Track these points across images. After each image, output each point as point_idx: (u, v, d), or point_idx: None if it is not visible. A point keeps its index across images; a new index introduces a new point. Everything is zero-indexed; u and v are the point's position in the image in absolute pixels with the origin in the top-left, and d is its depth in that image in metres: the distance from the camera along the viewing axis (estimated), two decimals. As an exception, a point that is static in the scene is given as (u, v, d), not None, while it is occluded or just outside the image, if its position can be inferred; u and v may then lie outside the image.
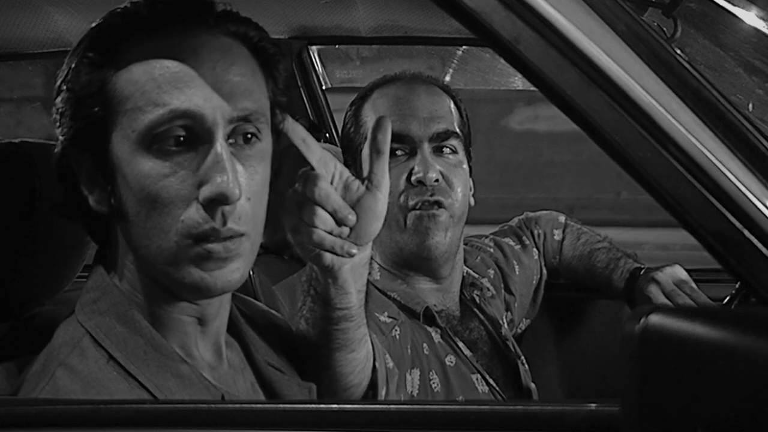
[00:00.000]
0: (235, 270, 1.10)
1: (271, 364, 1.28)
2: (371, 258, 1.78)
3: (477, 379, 1.80)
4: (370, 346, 1.35)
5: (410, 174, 1.76)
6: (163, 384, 1.10)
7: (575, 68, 0.92)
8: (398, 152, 1.76)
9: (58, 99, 1.13)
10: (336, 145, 2.53)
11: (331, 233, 1.16)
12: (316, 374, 1.31)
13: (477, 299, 1.92)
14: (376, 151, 1.20)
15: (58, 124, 1.13)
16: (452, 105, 1.84)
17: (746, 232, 0.91)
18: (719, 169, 0.91)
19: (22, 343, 1.22)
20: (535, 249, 2.14)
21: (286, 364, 1.32)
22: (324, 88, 2.73)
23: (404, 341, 1.71)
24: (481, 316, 1.90)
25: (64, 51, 1.15)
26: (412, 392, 1.71)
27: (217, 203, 1.07)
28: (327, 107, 2.72)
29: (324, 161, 1.17)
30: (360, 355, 1.31)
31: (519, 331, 2.10)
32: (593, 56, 0.92)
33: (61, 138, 1.13)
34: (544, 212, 2.21)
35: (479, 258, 2.05)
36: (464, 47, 2.60)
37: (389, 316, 1.72)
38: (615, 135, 0.92)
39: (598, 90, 0.92)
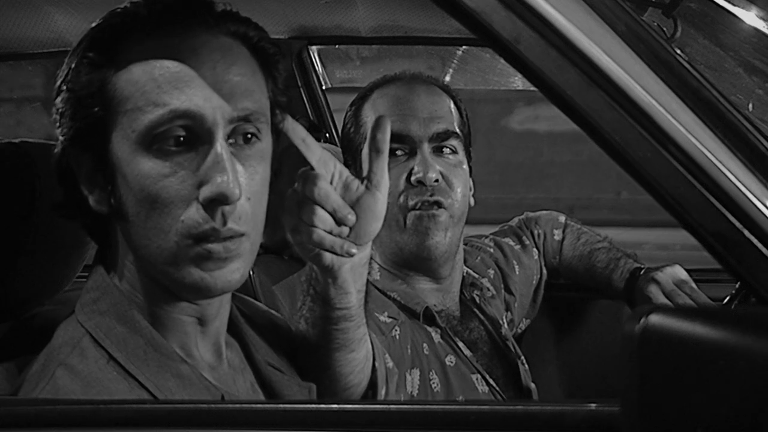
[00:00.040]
0: (235, 270, 1.10)
1: (271, 364, 1.28)
2: (371, 258, 1.78)
3: (477, 379, 1.80)
4: (370, 346, 1.35)
5: (410, 174, 1.76)
6: (163, 384, 1.10)
7: (575, 68, 0.92)
8: (398, 152, 1.76)
9: (58, 99, 1.13)
10: (336, 145, 2.53)
11: (330, 233, 1.16)
12: (316, 374, 1.31)
13: (477, 299, 1.92)
14: (375, 150, 1.20)
15: (58, 124, 1.13)
16: (452, 105, 1.84)
17: (746, 232, 0.91)
18: (719, 169, 0.91)
19: (22, 343, 1.22)
20: (535, 249, 2.14)
21: (286, 364, 1.32)
22: (324, 88, 2.73)
23: (404, 341, 1.71)
24: (481, 316, 1.90)
25: (64, 51, 1.14)
26: (412, 392, 1.71)
27: (217, 203, 1.07)
28: (327, 107, 2.72)
29: (324, 161, 1.17)
30: (360, 355, 1.31)
31: (519, 331, 2.10)
32: (593, 56, 0.92)
33: (61, 138, 1.13)
34: (544, 212, 2.21)
35: (479, 258, 2.05)
36: (464, 47, 2.60)
37: (389, 316, 1.72)
38: (615, 135, 0.92)
39: (598, 90, 0.92)
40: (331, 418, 0.98)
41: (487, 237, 2.15)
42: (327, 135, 2.69)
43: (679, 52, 0.97)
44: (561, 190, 7.69)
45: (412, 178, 1.76)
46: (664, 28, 1.63)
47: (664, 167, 0.92)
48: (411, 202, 1.76)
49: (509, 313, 2.03)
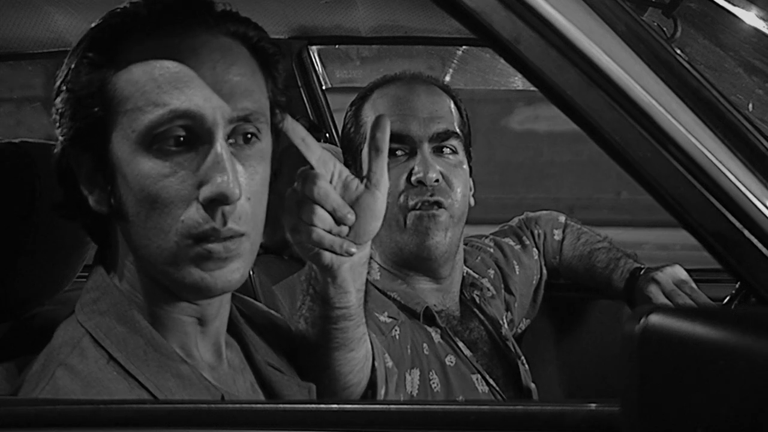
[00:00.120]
0: (235, 270, 1.10)
1: (270, 364, 1.28)
2: (371, 258, 1.78)
3: (477, 379, 1.80)
4: (369, 346, 1.35)
5: (410, 174, 1.76)
6: (163, 384, 1.10)
7: (575, 68, 0.92)
8: (398, 152, 1.77)
9: (58, 99, 1.13)
10: (336, 145, 2.53)
11: (330, 232, 1.16)
12: (316, 373, 1.31)
13: (477, 299, 1.92)
14: (375, 149, 1.20)
15: (57, 124, 1.13)
16: (452, 105, 1.84)
17: (746, 232, 0.91)
18: (719, 169, 0.91)
19: (22, 343, 1.22)
20: (535, 249, 2.14)
21: (286, 364, 1.32)
22: (324, 88, 2.73)
23: (404, 341, 1.71)
24: (481, 316, 1.90)
25: (64, 51, 1.14)
26: (411, 392, 1.71)
27: (217, 203, 1.07)
28: (327, 107, 2.72)
29: (323, 160, 1.17)
30: (359, 355, 1.31)
31: (519, 331, 2.10)
32: (593, 56, 0.92)
33: (60, 138, 1.13)
34: (544, 212, 2.21)
35: (479, 258, 2.05)
36: (464, 47, 2.60)
37: (389, 316, 1.72)
38: (615, 135, 0.92)
39: (598, 90, 0.92)
40: (330, 418, 0.98)
41: (487, 237, 2.15)
42: (327, 135, 2.69)
43: (679, 52, 0.97)
44: (561, 190, 7.69)
45: (413, 178, 1.76)
46: (664, 28, 1.63)
47: (664, 167, 0.92)
48: (411, 202, 1.76)
49: (509, 313, 2.03)
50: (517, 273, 2.08)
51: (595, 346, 2.20)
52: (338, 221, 1.17)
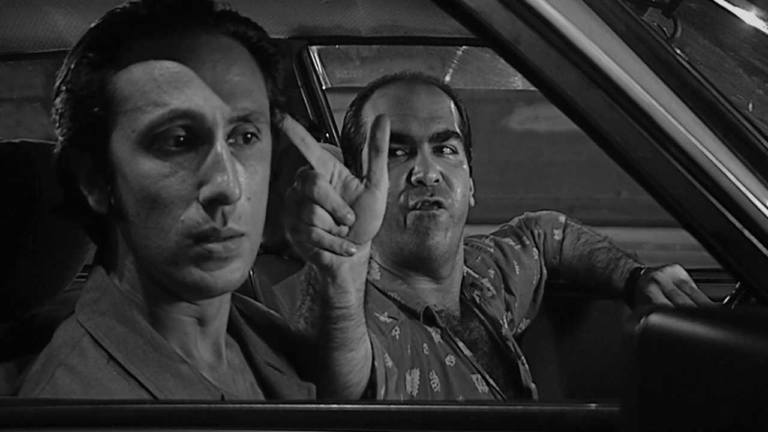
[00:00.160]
0: (236, 270, 1.10)
1: (270, 364, 1.28)
2: (371, 258, 1.78)
3: (477, 379, 1.80)
4: (369, 346, 1.35)
5: (410, 174, 1.76)
6: (163, 384, 1.10)
7: (575, 68, 0.92)
8: (398, 152, 1.77)
9: (58, 100, 1.13)
10: (336, 145, 2.53)
11: (329, 232, 1.16)
12: (315, 373, 1.31)
13: (477, 299, 1.92)
14: (374, 149, 1.20)
15: (57, 124, 1.13)
16: (452, 105, 1.84)
17: (746, 232, 0.91)
18: (719, 169, 0.91)
19: (22, 343, 1.22)
20: (535, 249, 2.14)
21: (286, 364, 1.32)
22: (324, 88, 2.73)
23: (404, 341, 1.71)
24: (482, 316, 1.90)
25: (64, 51, 1.14)
26: (412, 392, 1.71)
27: (217, 203, 1.07)
28: (327, 107, 2.72)
29: (323, 160, 1.17)
30: (359, 355, 1.31)
31: (519, 331, 2.10)
32: (593, 56, 0.92)
33: (60, 138, 1.13)
34: (544, 212, 2.21)
35: (479, 258, 2.05)
36: (464, 47, 2.60)
37: (389, 316, 1.72)
38: (615, 135, 0.92)
39: (598, 90, 0.92)
40: (330, 417, 0.98)
41: (487, 237, 2.15)
42: (327, 135, 2.69)
43: (679, 52, 0.97)
44: (561, 190, 7.69)
45: (413, 178, 1.76)
46: (664, 28, 1.63)
47: (664, 167, 0.92)
48: (411, 202, 1.76)
49: (509, 313, 2.03)
50: (517, 273, 2.08)
51: (595, 346, 2.20)
52: (338, 221, 1.17)
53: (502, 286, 2.04)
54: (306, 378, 1.31)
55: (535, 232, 2.15)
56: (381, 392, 1.39)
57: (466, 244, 2.01)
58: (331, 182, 1.17)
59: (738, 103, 1.37)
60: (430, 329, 1.79)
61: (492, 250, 2.09)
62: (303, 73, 2.67)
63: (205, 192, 1.07)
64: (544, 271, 2.14)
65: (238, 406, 1.03)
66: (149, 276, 1.12)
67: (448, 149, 1.79)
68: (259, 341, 1.30)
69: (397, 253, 1.80)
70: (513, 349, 1.91)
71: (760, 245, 0.91)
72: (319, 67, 2.72)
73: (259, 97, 1.13)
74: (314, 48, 2.69)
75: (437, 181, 1.76)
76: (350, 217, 1.17)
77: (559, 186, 7.73)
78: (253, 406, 1.04)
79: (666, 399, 0.84)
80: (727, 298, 1.66)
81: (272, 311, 1.45)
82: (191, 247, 1.08)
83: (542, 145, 7.84)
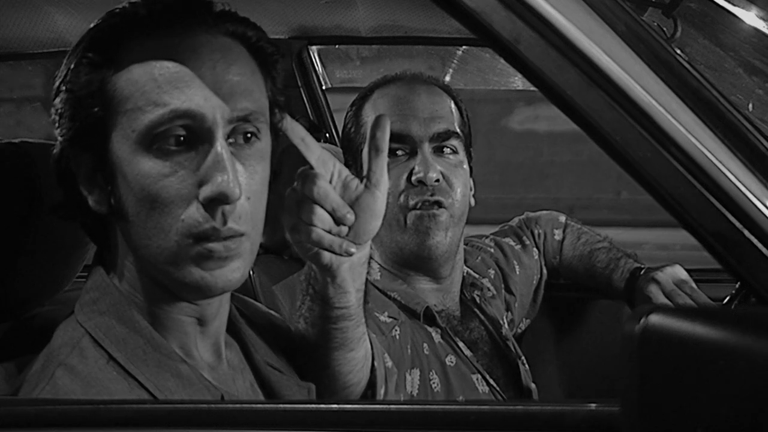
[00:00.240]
0: (236, 269, 1.10)
1: (270, 364, 1.28)
2: (371, 258, 1.78)
3: (477, 379, 1.80)
4: (369, 346, 1.35)
5: (411, 174, 1.76)
6: (163, 384, 1.10)
7: (575, 68, 0.92)
8: (399, 152, 1.77)
9: (57, 100, 1.13)
10: (336, 145, 2.53)
11: (329, 232, 1.16)
12: (315, 373, 1.31)
13: (477, 299, 1.92)
14: (374, 149, 1.20)
15: (57, 124, 1.13)
16: (453, 105, 1.84)
17: (746, 232, 0.91)
18: (719, 169, 0.91)
19: (22, 343, 1.22)
20: (535, 249, 2.14)
21: (285, 364, 1.32)
22: (324, 88, 2.73)
23: (404, 341, 1.71)
24: (482, 316, 1.90)
25: (64, 51, 1.14)
26: (412, 392, 1.71)
27: (217, 203, 1.07)
28: (327, 107, 2.72)
29: (323, 160, 1.17)
30: (359, 355, 1.31)
31: (519, 331, 2.10)
32: (593, 56, 0.92)
33: (60, 139, 1.13)
34: (545, 212, 2.21)
35: (480, 258, 2.05)
36: (464, 47, 2.60)
37: (389, 316, 1.72)
38: (615, 135, 0.92)
39: (598, 90, 0.92)
40: (330, 417, 0.98)
41: (487, 237, 2.15)
42: (327, 135, 2.69)
43: (679, 52, 0.97)
44: (561, 190, 7.70)
45: (413, 178, 1.76)
46: (664, 28, 1.63)
47: (664, 167, 0.92)
48: (411, 202, 1.76)
49: (509, 313, 2.03)
50: (518, 273, 2.08)
51: (595, 346, 2.20)
52: (338, 221, 1.17)
53: (503, 286, 2.04)
54: (306, 378, 1.31)
55: (535, 232, 2.15)
56: (381, 392, 1.39)
57: (466, 244, 2.01)
58: (330, 182, 1.17)
59: (738, 103, 1.37)
60: (430, 329, 1.79)
61: (492, 250, 2.09)
62: (303, 73, 2.67)
63: (206, 191, 1.07)
64: (544, 271, 2.14)
65: (237, 406, 1.03)
66: (149, 276, 1.12)
67: (449, 149, 1.79)
68: (258, 341, 1.30)
69: (398, 252, 1.80)
70: (513, 349, 1.91)
71: (760, 245, 0.91)
72: (319, 67, 2.73)
73: (258, 97, 1.13)
74: (314, 48, 2.69)
75: (437, 180, 1.76)
76: (350, 217, 1.17)
77: (559, 186, 7.73)
78: (253, 406, 1.04)
79: (666, 399, 0.84)
80: (727, 298, 1.66)
81: (272, 311, 1.45)
82: (191, 247, 1.08)
83: (542, 145, 7.84)
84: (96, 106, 1.09)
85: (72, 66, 1.11)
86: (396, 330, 1.71)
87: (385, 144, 1.20)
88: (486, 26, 0.93)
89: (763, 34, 1.79)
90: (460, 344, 1.81)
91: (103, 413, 0.99)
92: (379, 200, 1.20)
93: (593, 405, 0.93)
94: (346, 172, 1.20)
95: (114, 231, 1.14)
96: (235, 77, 1.10)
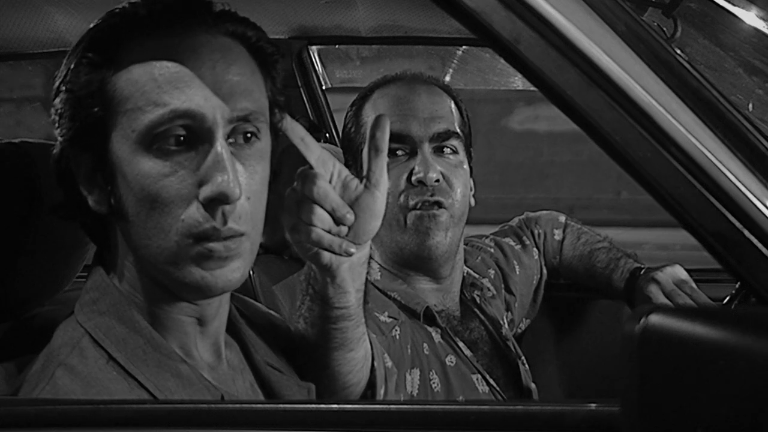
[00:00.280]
0: (236, 269, 1.10)
1: (270, 364, 1.28)
2: (371, 258, 1.78)
3: (477, 379, 1.80)
4: (369, 346, 1.35)
5: (411, 174, 1.76)
6: (163, 384, 1.10)
7: (575, 68, 0.92)
8: (399, 152, 1.77)
9: (57, 100, 1.13)
10: (336, 145, 2.53)
11: (329, 232, 1.16)
12: (315, 373, 1.31)
13: (477, 299, 1.92)
14: (374, 149, 1.20)
15: (56, 125, 1.13)
16: (453, 105, 1.84)
17: (746, 232, 0.91)
18: (719, 169, 0.91)
19: (22, 343, 1.22)
20: (535, 249, 2.14)
21: (285, 365, 1.32)
22: (324, 88, 2.73)
23: (404, 341, 1.71)
24: (482, 316, 1.90)
25: (64, 51, 1.14)
26: (412, 392, 1.71)
27: (217, 202, 1.07)
28: (327, 107, 2.72)
29: (323, 160, 1.17)
30: (358, 355, 1.31)
31: (519, 331, 2.10)
32: (593, 56, 0.92)
33: (60, 139, 1.13)
34: (545, 212, 2.21)
35: (480, 258, 2.05)
36: (464, 47, 2.60)
37: (389, 316, 1.72)
38: (615, 135, 0.92)
39: (598, 90, 0.92)
40: (330, 418, 0.98)
41: (487, 237, 2.15)
42: (327, 135, 2.69)
43: (679, 52, 0.97)
44: (561, 190, 7.70)
45: (413, 178, 1.76)
46: (664, 28, 1.63)
47: (664, 167, 0.92)
48: (411, 202, 1.76)
49: (509, 313, 2.03)
50: (518, 273, 2.08)
51: (595, 346, 2.20)
52: (337, 221, 1.17)
53: (503, 286, 2.04)
54: (305, 378, 1.31)
55: (535, 232, 2.15)
56: (380, 392, 1.39)
57: (466, 244, 2.01)
58: (330, 182, 1.17)
59: (738, 103, 1.37)
60: (430, 329, 1.79)
61: (492, 250, 2.09)
62: (303, 73, 2.67)
63: (206, 191, 1.07)
64: (544, 271, 2.14)
65: (237, 406, 1.03)
66: (149, 276, 1.12)
67: (449, 149, 1.79)
68: (258, 341, 1.30)
69: (398, 253, 1.80)
70: (513, 349, 1.91)
71: (760, 245, 0.91)
72: (319, 67, 2.73)
73: (258, 97, 1.13)
74: (314, 48, 2.69)
75: (437, 181, 1.76)
76: (349, 217, 1.17)
77: (559, 186, 7.73)
78: (253, 406, 1.04)
79: (666, 399, 0.84)
80: (727, 298, 1.66)
81: (272, 311, 1.45)
82: (191, 247, 1.08)
83: (542, 145, 7.85)
84: (96, 106, 1.09)
85: (72, 66, 1.11)
86: (396, 330, 1.71)
87: (384, 144, 1.20)
88: (486, 26, 0.93)
89: (763, 34, 1.79)
90: (460, 344, 1.81)
91: (103, 413, 0.99)
92: (379, 200, 1.20)
93: (593, 405, 0.93)
94: (345, 172, 1.20)
95: (114, 231, 1.14)
96: (235, 77, 1.10)
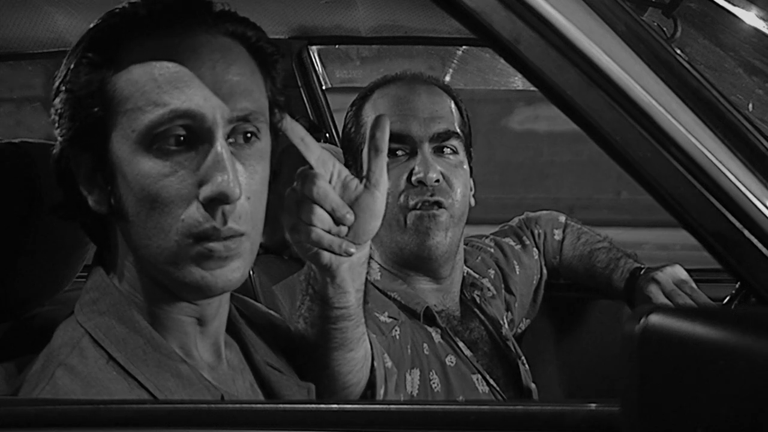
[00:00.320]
0: (236, 269, 1.10)
1: (270, 364, 1.28)
2: (371, 258, 1.78)
3: (477, 379, 1.80)
4: (369, 346, 1.35)
5: (411, 174, 1.76)
6: (163, 384, 1.10)
7: (575, 68, 0.92)
8: (399, 152, 1.77)
9: (57, 100, 1.13)
10: (336, 145, 2.53)
11: (329, 232, 1.16)
12: (315, 373, 1.31)
13: (477, 299, 1.92)
14: (374, 149, 1.20)
15: (56, 125, 1.13)
16: (453, 105, 1.84)
17: (746, 232, 0.91)
18: (719, 169, 0.91)
19: (22, 343, 1.22)
20: (535, 249, 2.14)
21: (285, 364, 1.32)
22: (324, 88, 2.74)
23: (404, 341, 1.71)
24: (482, 316, 1.90)
25: (63, 51, 1.14)
26: (412, 392, 1.71)
27: (217, 202, 1.07)
28: (327, 107, 2.72)
29: (322, 160, 1.17)
30: (358, 355, 1.31)
31: (519, 331, 2.10)
32: (593, 56, 0.92)
33: (59, 139, 1.13)
34: (545, 212, 2.21)
35: (480, 258, 2.05)
36: (464, 47, 2.60)
37: (389, 316, 1.72)
38: (615, 135, 0.92)
39: (598, 90, 0.92)
40: (330, 417, 0.98)
41: (487, 237, 2.15)
42: (327, 135, 2.69)
43: (679, 52, 0.97)
44: (561, 190, 7.70)
45: (413, 178, 1.75)
46: (664, 28, 1.63)
47: (664, 167, 0.92)
48: (411, 202, 1.76)
49: (510, 313, 2.03)
50: (518, 273, 2.08)
51: (595, 346, 2.20)
52: (337, 221, 1.17)
53: (503, 286, 2.04)
54: (305, 378, 1.31)
55: (535, 232, 2.15)
56: (380, 392, 1.39)
57: (466, 244, 2.01)
58: (330, 182, 1.17)
59: (738, 103, 1.37)
60: (430, 329, 1.79)
61: (492, 250, 2.09)
62: (303, 73, 2.67)
63: (206, 191, 1.07)
64: (544, 271, 2.14)
65: (237, 406, 1.03)
66: (149, 276, 1.12)
67: (449, 149, 1.79)
68: (258, 341, 1.30)
69: (398, 253, 1.80)
70: (513, 349, 1.91)
71: (760, 245, 0.91)
72: (319, 67, 2.73)
73: (258, 97, 1.13)
74: (314, 48, 2.69)
75: (437, 181, 1.76)
76: (349, 217, 1.17)
77: (559, 186, 7.73)
78: (253, 406, 1.04)
79: (666, 399, 0.84)
80: (727, 298, 1.66)
81: (271, 311, 1.45)
82: (192, 247, 1.08)
83: (542, 145, 7.85)
84: (96, 106, 1.10)
85: (72, 66, 1.11)
86: (396, 330, 1.71)
87: (384, 144, 1.20)
88: (486, 26, 0.93)
89: (763, 34, 1.79)
90: (460, 344, 1.81)
91: (103, 413, 0.99)
92: (379, 200, 1.20)
93: (593, 405, 0.93)
94: (345, 172, 1.20)
95: (114, 231, 1.14)
96: (235, 77, 1.10)
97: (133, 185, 1.08)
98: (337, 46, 2.93)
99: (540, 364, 2.12)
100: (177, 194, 1.07)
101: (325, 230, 1.16)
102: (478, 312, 1.90)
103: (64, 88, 1.12)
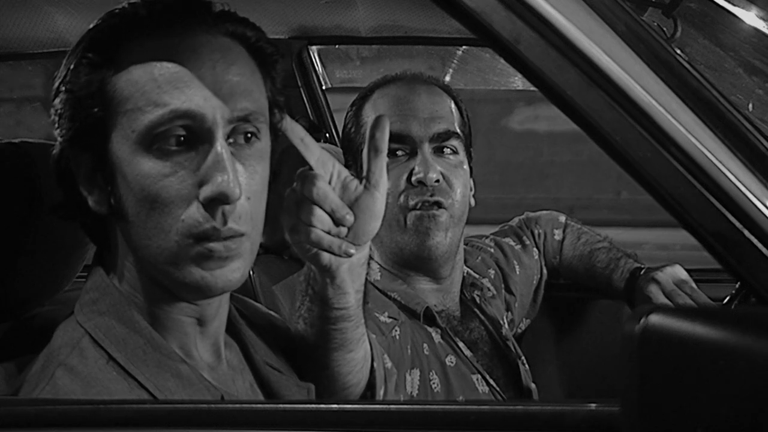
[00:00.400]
0: (236, 269, 1.10)
1: (269, 365, 1.28)
2: (371, 258, 1.78)
3: (477, 380, 1.80)
4: (369, 346, 1.35)
5: (411, 174, 1.76)
6: (163, 384, 1.10)
7: (575, 68, 0.92)
8: (399, 152, 1.77)
9: (57, 100, 1.13)
10: (336, 145, 2.53)
11: (329, 233, 1.16)
12: (315, 374, 1.31)
13: (477, 299, 1.92)
14: (374, 149, 1.20)
15: (56, 125, 1.13)
16: (453, 105, 1.84)
17: (746, 232, 0.91)
18: (719, 169, 0.91)
19: (22, 343, 1.22)
20: (535, 249, 2.14)
21: (285, 365, 1.32)
22: (324, 88, 2.74)
23: (404, 341, 1.71)
24: (482, 317, 1.90)
25: (63, 51, 1.14)
26: (412, 392, 1.71)
27: (217, 202, 1.07)
28: (327, 107, 2.72)
29: (322, 161, 1.17)
30: (358, 355, 1.31)
31: (519, 331, 2.10)
32: (593, 56, 0.92)
33: (59, 139, 1.13)
34: (545, 212, 2.21)
35: (480, 258, 2.05)
36: (464, 47, 2.60)
37: (389, 317, 1.72)
38: (615, 135, 0.92)
39: (598, 90, 0.92)
40: (330, 418, 0.98)
41: (487, 237, 2.15)
42: (327, 135, 2.69)
43: (679, 52, 0.97)
44: (561, 190, 7.70)
45: (413, 179, 1.75)
46: (664, 28, 1.63)
47: (664, 167, 0.92)
48: (411, 202, 1.76)
49: (510, 313, 2.03)
50: (518, 273, 2.08)
51: (595, 346, 2.20)
52: (337, 222, 1.17)
53: (503, 286, 2.04)
54: (305, 378, 1.31)
55: (536, 232, 2.15)
56: (380, 393, 1.39)
57: (466, 244, 2.01)
58: (330, 183, 1.17)
59: (738, 103, 1.37)
60: (430, 329, 1.79)
61: (492, 250, 2.09)
62: (303, 73, 2.67)
63: (206, 191, 1.07)
64: (545, 271, 2.14)
65: (237, 406, 1.03)
66: (149, 276, 1.12)
67: (449, 149, 1.79)
68: (258, 341, 1.30)
69: (398, 253, 1.80)
70: (513, 349, 1.91)
71: (760, 245, 0.91)
72: (319, 67, 2.73)
73: (258, 97, 1.13)
74: (314, 48, 2.69)
75: (437, 181, 1.76)
76: (349, 218, 1.17)
77: (559, 186, 7.73)
78: (253, 406, 1.04)
79: (666, 399, 0.84)
80: (727, 298, 1.66)
81: (271, 312, 1.45)
82: (192, 247, 1.08)
83: (542, 145, 7.85)
84: (96, 107, 1.10)
85: (72, 66, 1.11)
86: (396, 330, 1.71)
87: (384, 144, 1.20)
88: (486, 26, 0.93)
89: (763, 34, 1.79)
90: (460, 344, 1.81)
91: (103, 413, 0.99)
92: (379, 201, 1.20)
93: (593, 405, 0.93)
94: (345, 172, 1.20)
95: (114, 231, 1.14)
96: (235, 77, 1.10)
97: (133, 185, 1.08)
98: (337, 46, 2.93)
99: (540, 364, 2.12)
100: (177, 194, 1.07)
101: (324, 231, 1.16)
102: (478, 312, 1.90)
103: (64, 88, 1.12)
